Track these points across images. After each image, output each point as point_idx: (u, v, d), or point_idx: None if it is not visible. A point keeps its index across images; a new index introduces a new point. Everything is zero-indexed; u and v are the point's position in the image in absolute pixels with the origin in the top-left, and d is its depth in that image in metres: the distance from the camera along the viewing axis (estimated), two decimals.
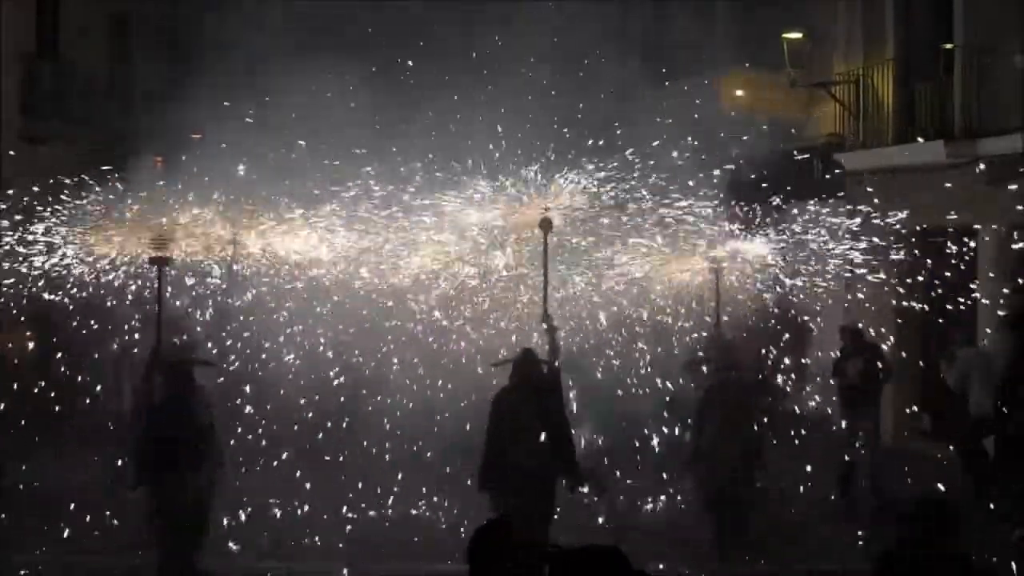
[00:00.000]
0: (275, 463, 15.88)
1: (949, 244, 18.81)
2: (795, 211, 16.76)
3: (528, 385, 12.07)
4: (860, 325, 17.50)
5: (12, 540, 13.98)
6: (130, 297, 15.32)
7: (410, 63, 17.56)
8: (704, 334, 15.81)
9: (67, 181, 14.91)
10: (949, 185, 19.33)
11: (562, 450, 12.01)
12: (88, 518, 14.45)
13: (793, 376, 18.94)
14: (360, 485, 15.66)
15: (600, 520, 14.75)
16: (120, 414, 13.50)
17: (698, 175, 15.75)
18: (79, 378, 16.69)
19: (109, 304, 15.46)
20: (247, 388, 15.68)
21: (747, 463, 13.83)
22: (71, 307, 15.54)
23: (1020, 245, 18.26)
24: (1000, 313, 17.73)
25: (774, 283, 16.05)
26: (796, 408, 19.80)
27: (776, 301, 16.75)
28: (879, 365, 16.70)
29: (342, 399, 16.99)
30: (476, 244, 15.42)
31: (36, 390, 16.94)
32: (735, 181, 16.85)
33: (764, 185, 17.99)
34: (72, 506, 14.67)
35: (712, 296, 15.42)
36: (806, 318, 19.14)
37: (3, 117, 22.13)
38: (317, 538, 14.23)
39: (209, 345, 14.77)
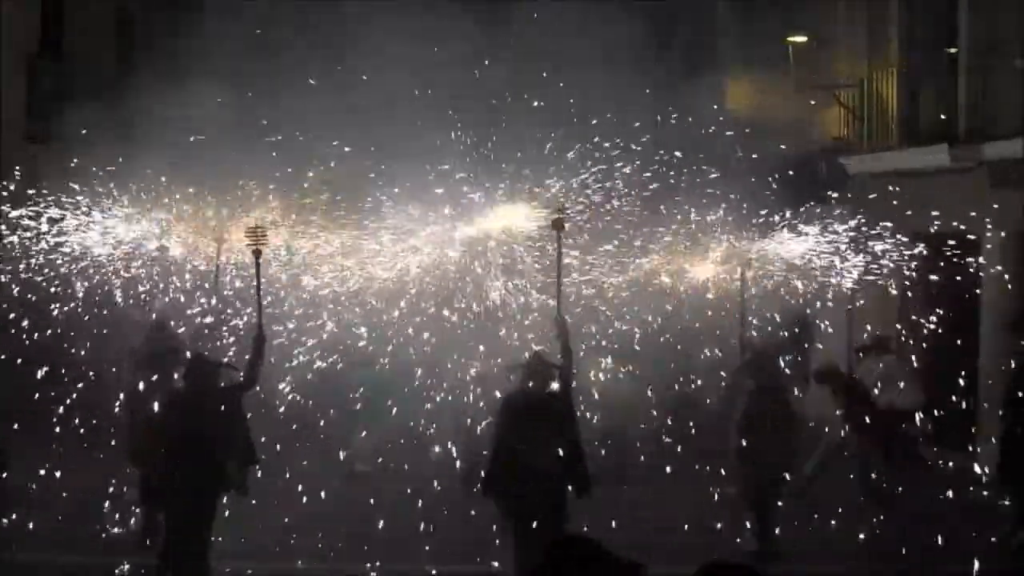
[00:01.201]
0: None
1: (953, 248, 18.75)
2: (801, 215, 16.72)
3: (538, 388, 11.95)
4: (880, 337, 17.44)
5: None
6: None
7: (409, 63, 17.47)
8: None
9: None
10: (953, 189, 19.30)
11: (571, 454, 11.85)
12: None
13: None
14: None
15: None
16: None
17: (718, 177, 15.74)
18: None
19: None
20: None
21: (789, 468, 13.90)
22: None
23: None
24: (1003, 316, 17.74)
25: (789, 287, 16.00)
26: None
27: (794, 305, 16.69)
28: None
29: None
30: (486, 245, 15.35)
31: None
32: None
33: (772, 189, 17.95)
34: None
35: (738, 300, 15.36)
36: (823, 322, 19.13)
37: (5, 117, 22.08)
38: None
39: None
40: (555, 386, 12.05)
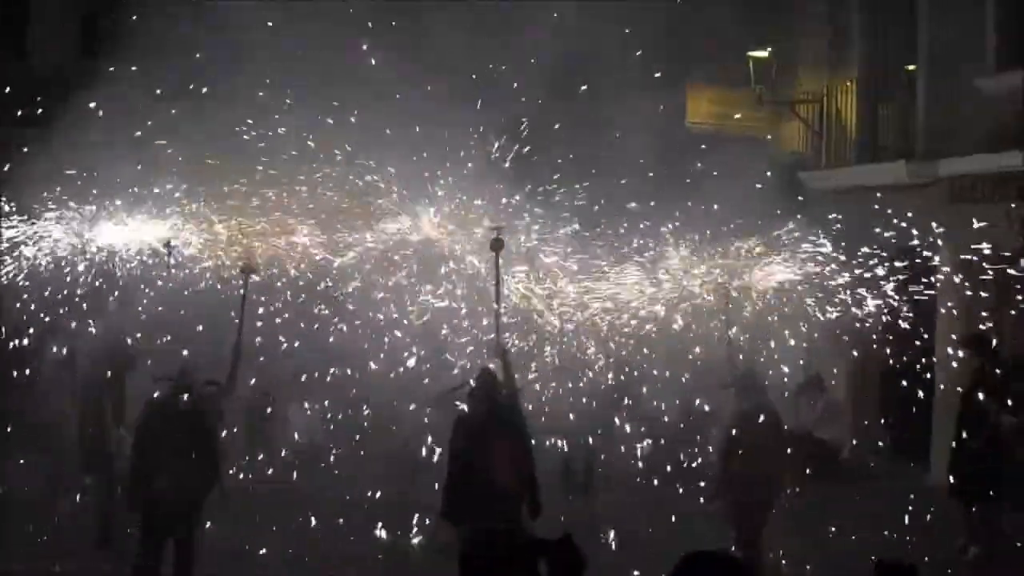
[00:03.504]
0: None
1: (912, 264, 18.92)
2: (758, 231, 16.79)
3: (488, 409, 11.87)
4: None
5: None
6: None
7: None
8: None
9: None
10: (911, 205, 19.46)
11: (524, 476, 11.85)
12: None
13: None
14: None
15: None
16: None
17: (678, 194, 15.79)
18: None
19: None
20: None
21: (777, 490, 13.66)
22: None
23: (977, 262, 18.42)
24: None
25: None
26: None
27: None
28: None
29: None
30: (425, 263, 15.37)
31: None
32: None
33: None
34: None
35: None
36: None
37: None
38: None
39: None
40: (505, 405, 12.02)
